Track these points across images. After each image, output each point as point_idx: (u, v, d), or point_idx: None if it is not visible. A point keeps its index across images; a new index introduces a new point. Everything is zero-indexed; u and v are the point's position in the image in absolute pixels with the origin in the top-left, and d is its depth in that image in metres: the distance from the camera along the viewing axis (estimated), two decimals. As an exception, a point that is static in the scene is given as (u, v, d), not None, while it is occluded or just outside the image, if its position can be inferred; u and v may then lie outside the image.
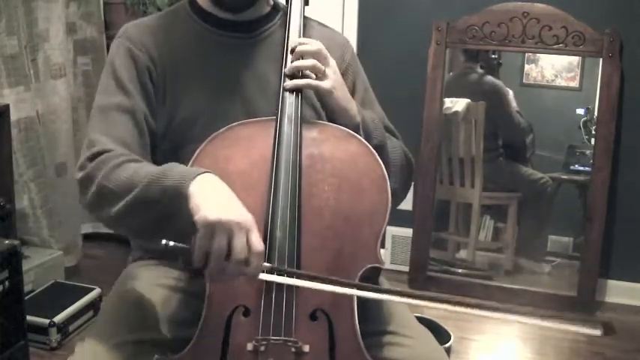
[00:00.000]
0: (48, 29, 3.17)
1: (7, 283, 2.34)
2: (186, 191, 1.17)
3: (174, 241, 1.14)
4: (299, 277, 1.22)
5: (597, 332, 1.15)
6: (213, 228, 1.12)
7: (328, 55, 1.43)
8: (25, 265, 2.74)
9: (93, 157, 1.33)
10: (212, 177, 1.22)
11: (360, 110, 1.46)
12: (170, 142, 1.47)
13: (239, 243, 1.13)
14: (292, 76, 1.41)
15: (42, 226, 3.22)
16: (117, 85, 1.44)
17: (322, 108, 1.47)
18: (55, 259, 3.18)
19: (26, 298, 2.56)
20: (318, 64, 1.39)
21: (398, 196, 1.48)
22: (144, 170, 1.26)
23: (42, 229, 3.23)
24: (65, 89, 3.27)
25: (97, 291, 2.95)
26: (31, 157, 3.14)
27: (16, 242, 2.41)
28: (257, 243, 1.15)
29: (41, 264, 3.08)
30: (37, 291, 2.94)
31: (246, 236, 1.14)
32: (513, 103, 3.67)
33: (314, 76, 1.41)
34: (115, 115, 1.40)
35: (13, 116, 2.89)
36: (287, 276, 1.22)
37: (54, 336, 2.68)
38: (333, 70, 1.42)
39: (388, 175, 1.40)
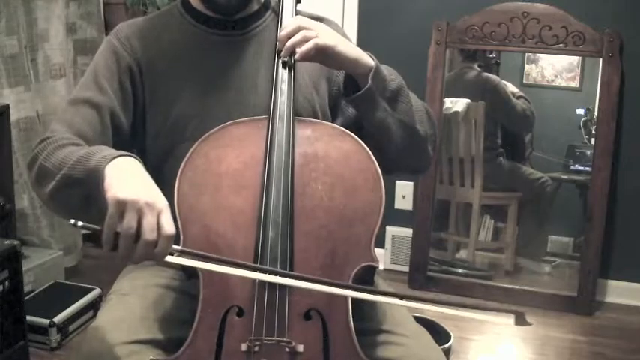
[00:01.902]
0: (48, 29, 3.18)
1: (7, 283, 2.34)
2: (103, 172, 1.17)
3: (81, 222, 1.12)
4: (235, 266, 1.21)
5: (510, 321, 1.20)
6: (124, 206, 1.10)
7: (313, 22, 1.39)
8: (25, 265, 2.75)
9: (42, 142, 1.36)
10: (131, 160, 1.21)
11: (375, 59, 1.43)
12: (164, 142, 1.47)
13: (148, 224, 1.10)
14: (289, 45, 1.37)
15: (42, 226, 3.22)
16: (93, 80, 1.46)
17: (335, 68, 1.45)
18: (55, 259, 3.18)
19: (26, 298, 2.57)
20: (308, 33, 1.36)
21: (427, 145, 1.49)
22: (76, 152, 1.27)
23: (42, 229, 3.23)
24: (65, 89, 3.27)
25: (97, 291, 2.95)
26: (32, 157, 3.14)
27: (16, 242, 2.41)
28: (167, 225, 1.12)
29: (41, 264, 3.08)
30: (37, 291, 2.94)
31: (157, 218, 1.12)
32: (514, 90, 3.66)
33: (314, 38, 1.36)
34: (81, 108, 1.42)
35: (13, 116, 2.90)
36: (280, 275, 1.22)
37: (54, 336, 2.68)
38: (325, 30, 1.39)
39: (415, 120, 1.42)
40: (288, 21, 1.42)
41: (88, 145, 1.35)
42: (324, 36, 1.37)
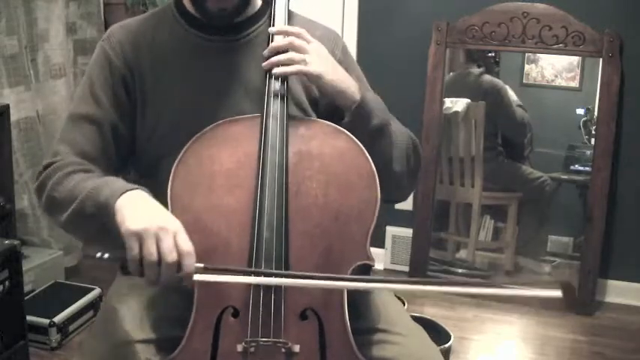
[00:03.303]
0: (48, 29, 3.18)
1: (7, 283, 2.34)
2: (113, 207, 1.23)
3: (109, 253, 1.18)
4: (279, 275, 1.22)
5: (558, 294, 1.15)
6: (140, 236, 1.16)
7: (311, 38, 1.39)
8: (25, 265, 2.75)
9: (47, 166, 1.39)
10: (139, 192, 1.26)
11: (363, 89, 1.42)
12: (154, 149, 1.46)
13: (166, 246, 1.16)
14: (274, 61, 1.37)
15: (42, 226, 3.23)
16: (90, 93, 1.46)
17: (319, 93, 1.44)
18: (55, 259, 3.19)
19: (26, 298, 2.57)
20: (297, 41, 1.36)
21: (403, 182, 1.45)
22: (84, 184, 1.31)
23: (42, 229, 3.24)
24: (65, 89, 3.28)
25: (97, 291, 2.96)
26: (31, 157, 3.15)
27: (16, 242, 2.41)
28: (184, 244, 1.18)
29: (41, 264, 3.09)
30: (37, 291, 2.95)
31: (174, 239, 1.17)
32: (514, 98, 3.66)
33: (301, 62, 1.37)
34: (81, 125, 1.44)
35: (13, 116, 2.90)
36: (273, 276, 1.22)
37: (54, 336, 2.68)
38: (317, 54, 1.38)
39: (392, 157, 1.40)
40: (282, 30, 1.41)
41: (92, 164, 1.39)
42: (314, 62, 1.36)
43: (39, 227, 3.22)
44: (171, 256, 1.16)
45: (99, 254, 1.17)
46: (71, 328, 2.77)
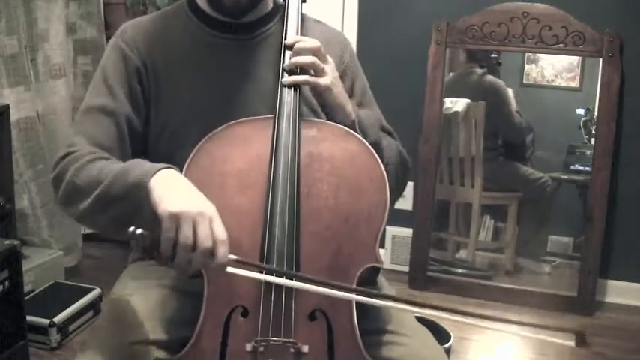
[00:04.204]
0: (48, 29, 3.17)
1: (7, 283, 2.33)
2: (147, 186, 1.20)
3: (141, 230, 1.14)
4: (293, 277, 1.22)
5: (571, 343, 1.19)
6: (178, 219, 1.14)
7: (327, 56, 1.42)
8: (25, 265, 2.74)
9: (65, 157, 1.36)
10: (172, 172, 1.24)
11: (356, 109, 1.45)
12: (166, 146, 1.46)
13: (203, 231, 1.14)
14: (290, 73, 1.40)
15: (42, 226, 3.22)
16: (105, 85, 1.45)
17: (319, 105, 1.45)
18: (55, 259, 3.18)
19: (26, 298, 2.56)
20: (318, 62, 1.38)
21: (393, 196, 1.45)
22: (109, 167, 1.29)
23: (42, 229, 3.23)
24: (65, 89, 3.27)
25: (97, 291, 2.95)
26: (31, 157, 3.14)
27: (16, 242, 2.40)
28: (220, 231, 1.16)
29: (41, 264, 3.08)
30: (37, 291, 2.94)
31: (210, 225, 1.16)
32: (513, 102, 3.67)
33: (312, 72, 1.40)
34: (97, 116, 1.42)
35: (13, 116, 2.89)
36: (285, 277, 1.22)
37: (54, 336, 2.68)
38: (331, 68, 1.41)
39: None
40: (310, 39, 1.42)
41: (110, 154, 1.37)
42: (326, 75, 1.39)
43: (39, 227, 3.22)
44: (207, 242, 1.14)
45: (132, 228, 1.13)
46: (71, 328, 2.78)
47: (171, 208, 1.15)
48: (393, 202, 1.42)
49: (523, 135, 3.74)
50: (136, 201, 1.22)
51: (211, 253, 1.15)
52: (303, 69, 1.40)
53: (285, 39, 1.44)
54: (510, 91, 3.67)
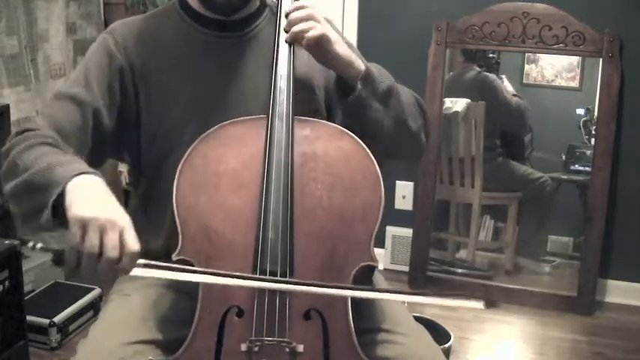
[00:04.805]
0: (48, 29, 3.18)
1: (7, 283, 2.34)
2: (64, 187, 1.15)
3: (41, 244, 1.10)
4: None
5: (480, 305, 1.19)
6: (86, 225, 1.08)
7: (319, 14, 1.40)
8: (25, 265, 2.74)
9: (20, 132, 1.32)
10: (94, 177, 1.18)
11: (364, 61, 1.44)
12: (160, 146, 1.46)
13: (111, 241, 1.09)
14: (297, 30, 1.37)
15: (42, 226, 3.22)
16: (83, 77, 1.43)
17: (323, 65, 1.43)
18: (56, 259, 3.18)
19: (26, 298, 2.57)
20: (313, 13, 1.37)
21: (420, 136, 1.48)
22: (48, 157, 1.23)
23: (42, 229, 3.22)
24: (65, 89, 3.27)
25: (97, 291, 2.96)
26: (32, 157, 3.14)
27: (16, 242, 2.41)
28: (131, 242, 1.11)
29: (41, 264, 3.07)
30: (37, 291, 2.95)
31: (120, 235, 1.10)
32: (509, 88, 3.66)
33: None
34: (65, 103, 1.40)
35: (13, 116, 2.89)
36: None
37: (54, 336, 2.69)
38: (328, 24, 1.40)
39: (406, 116, 1.43)
40: (299, 6, 1.40)
41: (67, 142, 1.32)
42: (328, 30, 1.38)
43: (39, 227, 3.21)
44: (113, 252, 1.08)
45: (30, 244, 1.09)
46: (71, 328, 2.79)
47: (81, 213, 1.09)
48: (426, 139, 1.47)
49: (525, 117, 3.73)
50: (49, 196, 1.15)
51: (117, 262, 1.10)
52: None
53: (278, 35, 1.43)
54: (504, 77, 3.66)
